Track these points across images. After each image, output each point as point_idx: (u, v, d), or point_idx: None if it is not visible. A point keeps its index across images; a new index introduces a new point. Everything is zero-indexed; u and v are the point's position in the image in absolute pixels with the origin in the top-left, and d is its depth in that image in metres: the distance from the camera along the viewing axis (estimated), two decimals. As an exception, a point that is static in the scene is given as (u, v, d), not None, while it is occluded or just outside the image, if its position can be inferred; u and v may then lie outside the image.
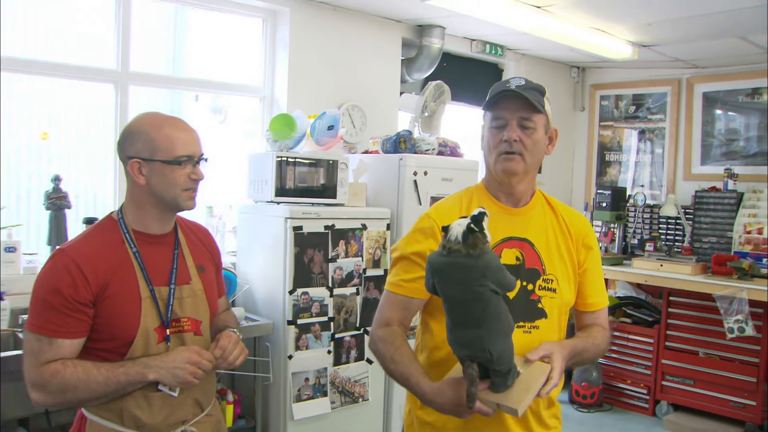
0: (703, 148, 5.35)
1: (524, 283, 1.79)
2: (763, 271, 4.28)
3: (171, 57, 3.94)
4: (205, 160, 1.87)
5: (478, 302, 1.47)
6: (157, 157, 1.76)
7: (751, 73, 5.11)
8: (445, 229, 1.51)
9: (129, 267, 1.74)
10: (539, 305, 1.81)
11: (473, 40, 4.96)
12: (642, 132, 5.68)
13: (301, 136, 3.44)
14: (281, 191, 3.34)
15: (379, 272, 3.62)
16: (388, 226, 3.67)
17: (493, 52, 5.09)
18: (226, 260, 3.59)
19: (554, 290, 1.83)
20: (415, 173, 3.71)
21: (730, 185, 4.89)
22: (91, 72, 3.36)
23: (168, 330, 1.76)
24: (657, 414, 4.84)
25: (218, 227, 3.75)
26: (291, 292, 3.25)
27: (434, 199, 3.80)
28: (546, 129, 1.83)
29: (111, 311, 1.69)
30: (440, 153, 3.96)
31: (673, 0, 3.62)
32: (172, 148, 1.77)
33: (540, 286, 1.82)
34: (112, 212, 1.86)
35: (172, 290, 1.79)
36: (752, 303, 4.19)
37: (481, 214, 1.49)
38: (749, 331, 4.11)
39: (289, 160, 3.35)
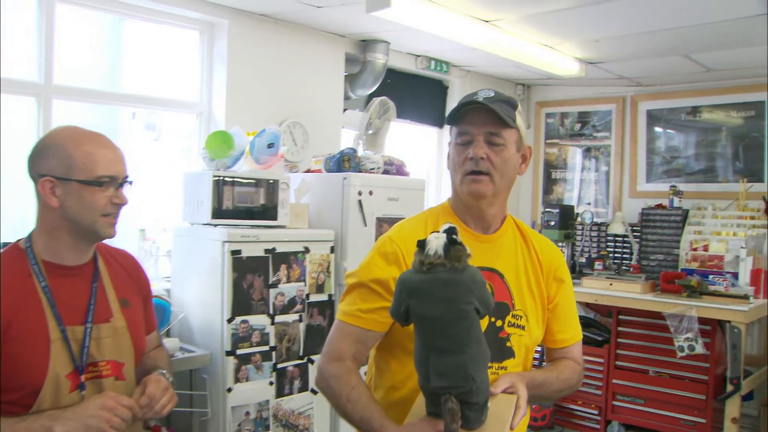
0: (648, 166, 5.36)
1: (492, 319, 1.63)
2: (711, 288, 4.26)
3: (106, 71, 3.71)
4: (130, 182, 1.67)
5: (463, 322, 1.32)
6: (75, 176, 1.55)
7: (693, 92, 5.15)
8: (421, 244, 1.34)
9: (36, 304, 1.52)
10: (508, 344, 1.65)
11: (418, 56, 4.86)
12: (587, 150, 5.67)
13: (239, 155, 3.26)
14: (218, 213, 3.14)
15: (323, 297, 3.44)
16: (332, 249, 3.50)
17: (439, 68, 5.00)
18: (159, 286, 3.36)
19: (523, 327, 1.68)
20: (359, 193, 3.56)
21: (676, 202, 4.90)
22: (10, 84, 3.11)
23: (83, 376, 1.54)
24: (608, 435, 4.77)
25: (151, 251, 3.51)
26: (229, 321, 3.04)
27: (380, 220, 3.66)
28: (518, 146, 1.67)
29: (14, 356, 1.46)
30: (386, 172, 3.83)
31: (621, 17, 3.58)
32: (92, 167, 1.57)
33: (509, 322, 1.66)
34: (19, 240, 1.63)
35: (89, 330, 1.57)
36: (700, 320, 4.16)
37: (453, 228, 1.34)
38: (699, 349, 4.07)
39: (227, 179, 3.16)
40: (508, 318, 1.65)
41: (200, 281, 3.20)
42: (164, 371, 1.70)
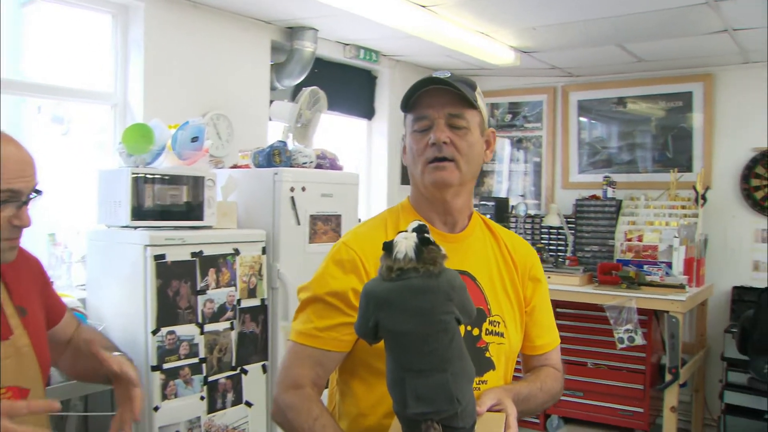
0: (579, 157, 5.33)
1: (468, 328, 1.44)
2: (648, 278, 4.25)
3: (5, 58, 3.32)
4: (38, 193, 1.40)
5: (443, 335, 1.13)
6: None
7: (623, 82, 5.15)
8: (388, 246, 1.15)
9: None
10: (487, 354, 1.47)
11: (347, 44, 4.65)
12: (519, 141, 5.60)
13: (160, 150, 2.98)
14: (138, 214, 2.85)
15: (256, 302, 3.21)
16: (264, 250, 3.27)
17: (368, 57, 4.81)
18: (74, 295, 3.04)
19: (502, 334, 1.50)
20: (292, 189, 3.34)
21: (609, 193, 4.88)
22: None
23: (-22, 408, 1.27)
24: (548, 429, 4.72)
25: (63, 257, 3.18)
26: (154, 332, 2.77)
27: (314, 218, 3.46)
28: (482, 129, 1.50)
29: None
30: (319, 166, 3.62)
31: (560, 4, 3.49)
32: None
33: (487, 330, 1.48)
34: None
35: (-18, 352, 1.31)
36: (638, 311, 4.15)
37: (423, 226, 1.16)
38: (639, 340, 4.05)
39: (147, 177, 2.87)
40: (485, 325, 1.48)
41: (120, 290, 2.91)
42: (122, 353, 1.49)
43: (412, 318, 1.13)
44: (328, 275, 1.47)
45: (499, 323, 1.50)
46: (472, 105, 1.46)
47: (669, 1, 3.34)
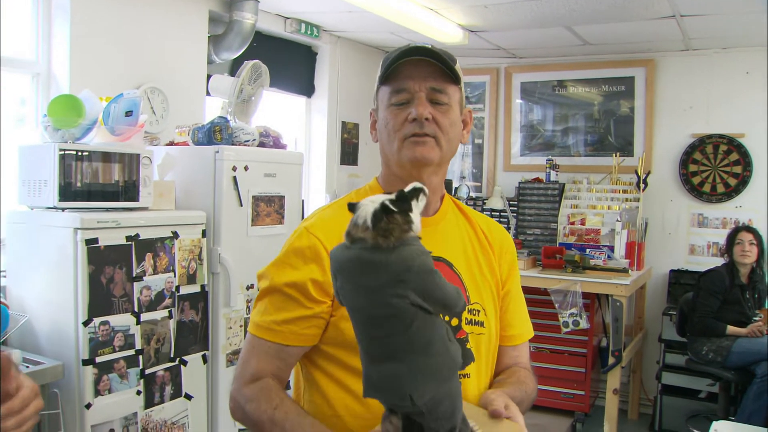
0: (522, 139, 5.29)
1: (446, 318, 1.31)
2: (592, 262, 4.25)
3: None
4: None
5: (393, 321, 0.97)
6: None
7: (567, 65, 5.14)
8: (352, 207, 1.01)
9: None
10: (468, 345, 1.35)
11: (288, 18, 4.44)
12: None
13: (90, 124, 2.72)
14: (67, 194, 2.60)
15: (196, 288, 3.01)
16: (204, 233, 3.06)
17: (309, 32, 4.61)
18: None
19: (482, 324, 1.38)
20: (234, 168, 3.14)
21: (552, 176, 4.86)
22: None
23: None
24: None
25: (-23, 241, 2.90)
26: (86, 323, 2.53)
27: (257, 199, 3.27)
28: (461, 108, 1.38)
29: None
30: (262, 144, 3.42)
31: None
32: None
33: (466, 319, 1.36)
34: None
35: None
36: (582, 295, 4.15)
37: (416, 191, 1.01)
38: (584, 324, 4.06)
39: (77, 153, 2.63)
40: (464, 314, 1.36)
41: (46, 277, 2.66)
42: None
43: (360, 295, 1.00)
44: (286, 264, 1.33)
45: (479, 311, 1.38)
46: (455, 80, 1.34)
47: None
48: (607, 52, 4.94)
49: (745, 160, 4.70)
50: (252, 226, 3.24)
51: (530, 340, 1.53)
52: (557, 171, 4.89)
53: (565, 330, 4.11)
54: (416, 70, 1.31)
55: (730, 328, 4.12)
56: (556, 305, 4.06)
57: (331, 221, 1.34)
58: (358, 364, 1.04)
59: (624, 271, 4.18)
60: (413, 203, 1.00)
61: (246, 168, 3.20)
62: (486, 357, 1.39)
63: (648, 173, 4.73)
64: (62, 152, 2.58)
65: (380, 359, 1.00)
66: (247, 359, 1.34)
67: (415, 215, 1.00)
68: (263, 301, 1.34)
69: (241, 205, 3.18)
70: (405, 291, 0.97)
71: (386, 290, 0.97)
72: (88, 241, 2.54)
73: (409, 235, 0.99)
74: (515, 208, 4.99)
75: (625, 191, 4.78)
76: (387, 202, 0.98)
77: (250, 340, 1.34)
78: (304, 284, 1.29)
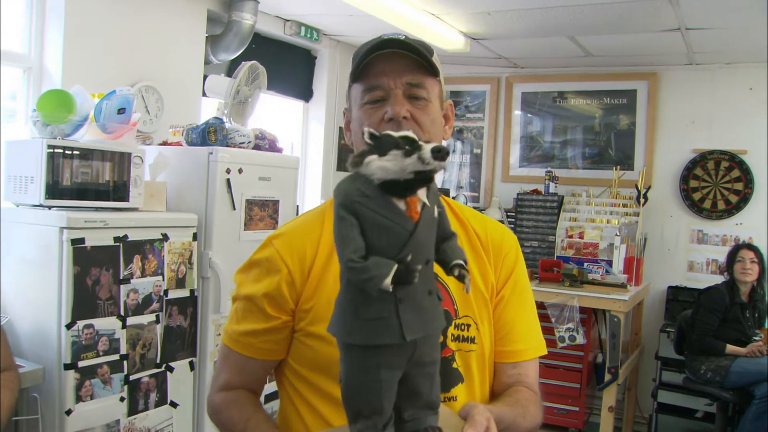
0: (522, 150, 5.23)
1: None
2: (590, 277, 4.18)
3: None
4: None
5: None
6: None
7: (569, 76, 5.08)
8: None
9: None
10: (454, 364, 1.24)
11: (287, 20, 4.38)
12: (459, 131, 5.46)
13: (81, 120, 2.65)
14: (54, 192, 2.52)
15: (185, 293, 2.93)
16: (195, 236, 2.98)
17: (309, 35, 4.54)
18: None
19: (472, 339, 1.25)
20: (228, 171, 3.06)
21: (552, 188, 4.79)
22: None
23: None
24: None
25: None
26: (69, 326, 2.45)
27: (250, 203, 3.19)
28: (441, 102, 1.28)
29: None
30: (257, 147, 3.34)
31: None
32: None
33: (453, 335, 1.24)
34: None
35: None
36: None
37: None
38: (580, 339, 3.98)
39: (66, 150, 2.55)
40: (451, 330, 1.24)
41: (29, 277, 2.57)
42: None
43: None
44: (247, 273, 1.29)
45: (468, 326, 1.26)
46: (433, 72, 1.23)
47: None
48: (610, 65, 4.88)
49: (746, 177, 4.64)
50: (245, 230, 3.16)
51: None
52: (556, 183, 4.82)
53: (561, 345, 4.03)
54: (390, 64, 1.20)
55: (730, 347, 4.05)
56: (553, 319, 3.98)
57: (298, 232, 1.26)
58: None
59: (622, 286, 4.11)
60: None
61: (240, 170, 3.13)
62: (479, 376, 1.27)
63: (648, 188, 4.67)
64: (51, 149, 2.50)
65: None
66: (219, 367, 1.33)
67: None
68: (233, 308, 1.31)
69: (234, 209, 3.10)
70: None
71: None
72: (74, 241, 2.46)
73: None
74: (513, 220, 4.91)
75: (624, 205, 4.72)
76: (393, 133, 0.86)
77: (221, 347, 1.32)
78: (258, 298, 1.24)
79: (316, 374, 1.21)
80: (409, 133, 0.86)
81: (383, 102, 1.21)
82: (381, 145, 0.84)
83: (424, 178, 0.84)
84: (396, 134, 0.85)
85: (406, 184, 0.83)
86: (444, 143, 1.26)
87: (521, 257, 1.39)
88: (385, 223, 0.83)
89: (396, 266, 0.82)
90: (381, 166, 0.82)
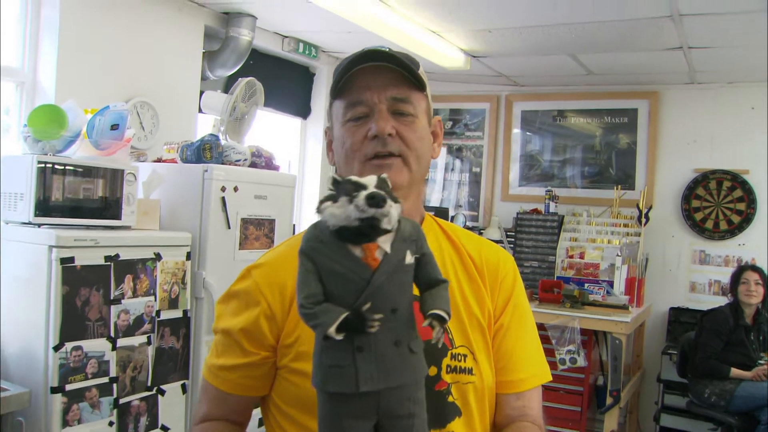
0: (521, 169, 5.18)
1: None
2: (591, 298, 4.11)
3: None
4: None
5: None
6: None
7: (567, 94, 5.04)
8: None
9: None
10: (450, 398, 1.14)
11: (286, 36, 4.34)
12: (458, 149, 5.41)
13: (74, 136, 2.59)
14: (44, 209, 2.46)
15: (177, 314, 2.85)
16: (189, 255, 2.92)
17: (307, 52, 4.50)
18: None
19: (470, 371, 1.16)
20: (223, 189, 3.00)
21: (552, 207, 4.74)
22: None
23: None
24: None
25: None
26: (57, 348, 2.37)
27: (246, 222, 3.13)
28: (429, 118, 1.21)
29: None
30: (253, 164, 3.29)
31: (518, 7, 3.32)
32: None
33: (448, 367, 1.14)
34: None
35: None
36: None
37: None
38: (581, 361, 3.90)
39: (57, 166, 2.49)
40: (446, 361, 1.15)
41: (16, 296, 2.50)
42: None
43: None
44: (228, 307, 1.21)
45: (465, 356, 1.17)
46: (420, 86, 1.16)
47: (633, 11, 3.21)
48: (611, 83, 4.85)
49: (749, 197, 4.59)
50: (240, 249, 3.10)
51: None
52: (556, 202, 4.77)
53: (561, 367, 3.95)
54: (373, 78, 1.13)
55: (734, 371, 3.97)
56: (553, 341, 3.91)
57: (279, 261, 1.18)
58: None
59: (624, 307, 4.04)
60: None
61: (236, 189, 3.07)
62: (479, 409, 1.18)
63: (650, 207, 4.62)
64: (41, 165, 2.45)
65: None
66: (200, 400, 1.26)
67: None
68: (213, 340, 1.23)
69: (229, 228, 3.04)
70: None
71: None
72: (63, 260, 2.39)
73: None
74: (513, 240, 4.85)
75: (625, 225, 4.66)
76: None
77: (201, 379, 1.25)
78: (236, 333, 1.16)
79: (300, 412, 1.13)
80: (384, 176, 0.86)
81: (367, 119, 1.13)
82: (338, 190, 0.84)
83: (371, 225, 0.82)
84: (362, 180, 0.84)
85: (357, 230, 0.82)
86: (433, 160, 1.20)
87: (519, 279, 1.31)
88: (338, 270, 0.83)
89: (345, 314, 0.80)
90: (332, 212, 0.82)
